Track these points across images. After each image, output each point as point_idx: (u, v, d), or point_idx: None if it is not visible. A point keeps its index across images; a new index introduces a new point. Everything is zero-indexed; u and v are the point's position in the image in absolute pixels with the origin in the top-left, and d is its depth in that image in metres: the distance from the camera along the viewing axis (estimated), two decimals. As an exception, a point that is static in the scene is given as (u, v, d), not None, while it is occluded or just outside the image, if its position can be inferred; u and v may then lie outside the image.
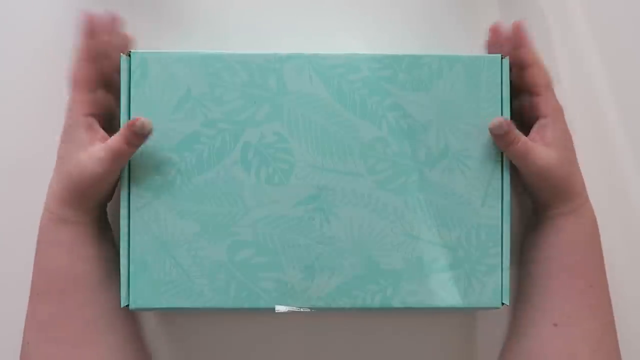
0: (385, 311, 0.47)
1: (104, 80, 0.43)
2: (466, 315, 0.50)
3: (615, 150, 0.53)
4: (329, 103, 0.42)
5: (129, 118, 0.42)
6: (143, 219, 0.42)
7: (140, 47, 0.43)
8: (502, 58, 0.43)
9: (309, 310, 0.42)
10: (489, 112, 0.42)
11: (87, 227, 0.42)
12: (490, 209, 0.42)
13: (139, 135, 0.39)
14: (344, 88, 0.42)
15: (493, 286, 0.42)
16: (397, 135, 0.42)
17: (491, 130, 0.41)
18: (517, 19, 0.52)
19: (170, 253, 0.42)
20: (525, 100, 0.44)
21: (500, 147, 0.42)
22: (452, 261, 0.42)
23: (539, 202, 0.46)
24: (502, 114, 0.42)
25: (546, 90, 0.44)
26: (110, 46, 0.42)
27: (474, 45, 0.51)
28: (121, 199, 0.41)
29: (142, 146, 0.41)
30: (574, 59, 0.55)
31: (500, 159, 0.42)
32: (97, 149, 0.40)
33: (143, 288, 0.41)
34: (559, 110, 0.44)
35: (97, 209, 0.43)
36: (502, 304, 0.43)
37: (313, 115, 0.42)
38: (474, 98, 0.42)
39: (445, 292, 0.42)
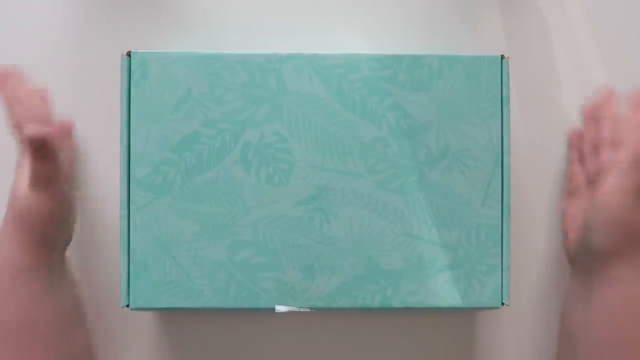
0: (385, 311, 0.47)
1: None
2: (466, 315, 0.50)
3: None
4: (329, 103, 0.42)
5: (129, 118, 0.42)
6: (143, 219, 0.42)
7: (140, 47, 0.42)
8: (502, 58, 0.43)
9: (309, 310, 0.42)
10: (489, 112, 0.42)
11: (46, 273, 0.39)
12: (490, 209, 0.42)
13: (37, 147, 0.35)
14: (344, 88, 0.42)
15: (493, 286, 0.42)
16: (397, 135, 0.42)
17: None
18: (518, 19, 0.52)
19: (170, 253, 0.42)
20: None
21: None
22: (452, 261, 0.42)
23: (592, 251, 0.39)
24: (502, 114, 0.42)
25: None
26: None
27: (474, 45, 0.51)
28: (120, 199, 0.41)
29: (142, 146, 0.41)
30: (574, 59, 0.55)
31: (500, 159, 0.42)
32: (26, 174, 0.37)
33: (143, 288, 0.41)
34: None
35: (56, 252, 0.40)
36: (502, 304, 0.43)
37: (313, 115, 0.42)
38: (474, 98, 0.42)
39: (445, 292, 0.42)
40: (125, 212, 0.42)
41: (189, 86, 0.42)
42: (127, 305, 0.42)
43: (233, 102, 0.42)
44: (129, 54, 0.42)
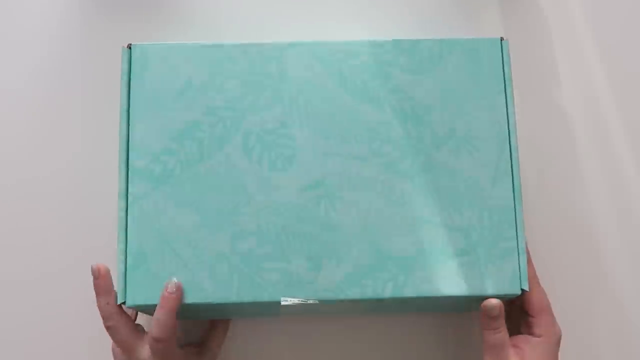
0: (393, 306, 0.44)
1: None
2: (465, 315, 0.48)
3: (615, 151, 0.53)
4: (331, 88, 0.42)
5: (128, 108, 0.41)
6: (142, 211, 0.40)
7: (139, 41, 0.43)
8: (501, 40, 0.43)
9: (317, 302, 0.40)
10: (493, 92, 0.42)
11: None
12: (502, 190, 0.41)
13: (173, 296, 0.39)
14: (345, 73, 0.42)
15: (511, 271, 0.40)
16: (401, 118, 0.41)
17: (484, 308, 0.40)
18: (517, 18, 0.53)
19: (170, 245, 0.40)
20: (523, 319, 0.43)
21: (482, 326, 0.41)
22: (465, 245, 0.40)
23: None
24: (506, 94, 0.42)
25: (541, 313, 0.42)
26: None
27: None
28: (119, 190, 0.40)
29: (141, 136, 0.41)
30: (574, 59, 0.55)
31: (507, 138, 0.41)
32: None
33: (141, 284, 0.39)
34: (554, 335, 0.42)
35: None
36: (522, 290, 0.40)
37: (315, 100, 0.41)
38: (476, 79, 0.42)
39: (460, 279, 0.40)
40: (124, 203, 0.40)
41: (190, 76, 0.41)
42: (124, 303, 0.39)
43: (234, 89, 0.41)
44: (129, 47, 0.42)
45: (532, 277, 0.42)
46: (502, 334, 0.41)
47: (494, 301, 0.40)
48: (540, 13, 0.54)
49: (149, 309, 0.40)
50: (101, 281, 0.40)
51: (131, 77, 0.41)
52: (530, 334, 0.42)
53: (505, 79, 0.42)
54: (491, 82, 0.42)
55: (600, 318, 0.50)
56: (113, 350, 0.42)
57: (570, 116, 0.54)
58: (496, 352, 0.41)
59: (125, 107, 0.41)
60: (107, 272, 0.40)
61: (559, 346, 0.42)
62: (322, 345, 0.48)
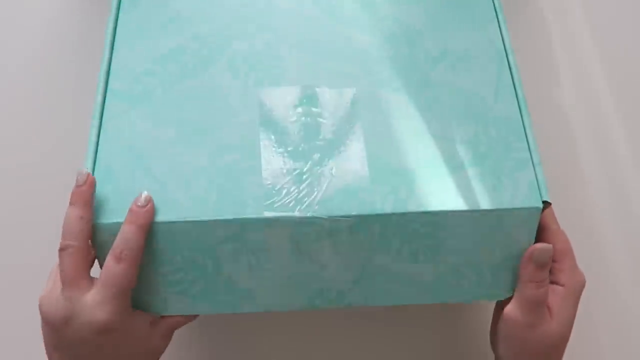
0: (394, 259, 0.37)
1: None
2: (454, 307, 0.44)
3: (616, 151, 0.52)
4: (320, 17, 0.41)
5: (114, 38, 0.40)
6: (116, 128, 0.37)
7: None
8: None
9: (307, 217, 0.34)
10: (485, 19, 0.41)
11: None
12: (506, 103, 0.38)
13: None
14: (334, 4, 0.42)
15: (527, 183, 0.35)
16: (392, 41, 0.40)
17: (532, 253, 0.35)
18: (517, 17, 0.54)
19: (143, 161, 0.36)
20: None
21: (525, 277, 0.35)
22: (473, 157, 0.36)
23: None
24: (498, 20, 0.41)
25: (564, 257, 0.37)
26: None
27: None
28: (93, 109, 0.38)
29: (124, 60, 0.39)
30: (574, 59, 0.55)
31: (505, 58, 0.40)
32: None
33: (106, 201, 0.35)
34: (578, 284, 0.36)
35: None
36: (544, 202, 0.35)
37: (304, 27, 0.41)
38: (467, 8, 0.42)
39: (471, 192, 0.35)
40: (97, 122, 0.37)
41: (178, 10, 0.41)
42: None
43: (222, 19, 0.41)
44: None
45: (552, 219, 0.37)
46: (546, 288, 0.35)
47: (546, 245, 0.34)
48: (540, 13, 0.56)
49: (107, 239, 0.35)
50: (85, 189, 0.34)
51: (120, 10, 0.41)
52: (553, 281, 0.36)
53: (496, 8, 0.42)
54: (482, 11, 0.41)
55: (600, 317, 0.47)
56: (45, 298, 0.34)
57: (570, 116, 0.53)
58: (535, 309, 0.35)
59: (110, 36, 0.40)
60: (94, 184, 0.35)
61: (580, 296, 0.36)
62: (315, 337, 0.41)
